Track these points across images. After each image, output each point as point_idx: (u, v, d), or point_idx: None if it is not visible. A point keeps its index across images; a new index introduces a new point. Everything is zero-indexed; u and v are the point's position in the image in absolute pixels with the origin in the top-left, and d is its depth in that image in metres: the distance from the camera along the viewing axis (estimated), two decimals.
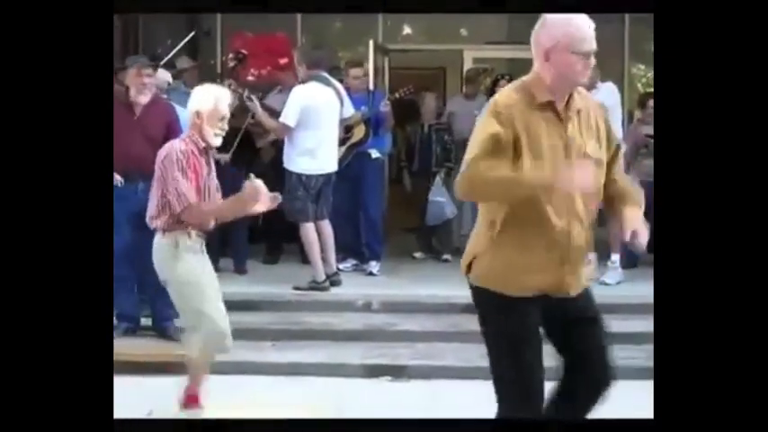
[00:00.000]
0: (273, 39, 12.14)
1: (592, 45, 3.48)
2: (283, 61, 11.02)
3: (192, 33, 9.85)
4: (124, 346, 6.75)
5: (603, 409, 3.70)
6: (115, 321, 6.88)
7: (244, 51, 10.42)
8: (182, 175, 5.10)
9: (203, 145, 5.23)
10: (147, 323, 7.32)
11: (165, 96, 7.79)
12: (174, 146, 5.25)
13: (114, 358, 6.33)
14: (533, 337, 3.69)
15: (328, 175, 8.37)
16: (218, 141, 5.28)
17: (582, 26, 3.52)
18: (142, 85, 7.02)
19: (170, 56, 9.12)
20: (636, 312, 7.08)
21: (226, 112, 5.27)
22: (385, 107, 9.16)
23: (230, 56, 10.22)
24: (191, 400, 5.36)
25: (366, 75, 9.76)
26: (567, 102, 3.63)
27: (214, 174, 5.38)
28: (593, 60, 3.48)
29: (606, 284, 8.17)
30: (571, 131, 3.61)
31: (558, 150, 3.59)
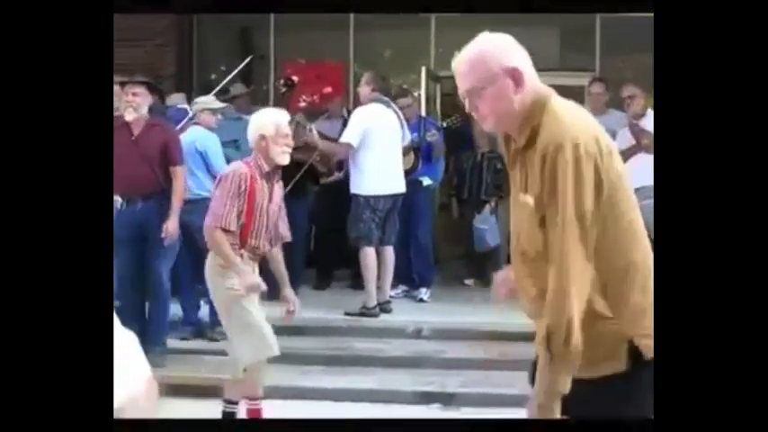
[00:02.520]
0: (324, 66, 12.23)
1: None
2: (326, 90, 11.10)
3: (249, 58, 9.94)
4: (168, 369, 6.82)
5: None
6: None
7: (294, 78, 10.50)
8: (226, 196, 5.18)
9: (267, 169, 5.30)
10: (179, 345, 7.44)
11: (218, 117, 7.89)
12: (235, 167, 5.37)
13: (160, 381, 6.43)
14: None
15: (396, 197, 8.37)
16: (285, 159, 5.35)
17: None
18: (127, 102, 7.05)
19: (225, 82, 9.20)
20: None
21: (287, 130, 5.38)
22: (432, 137, 9.17)
23: (280, 82, 10.31)
24: (254, 414, 5.43)
25: (414, 103, 9.77)
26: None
27: (277, 203, 5.43)
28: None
29: None
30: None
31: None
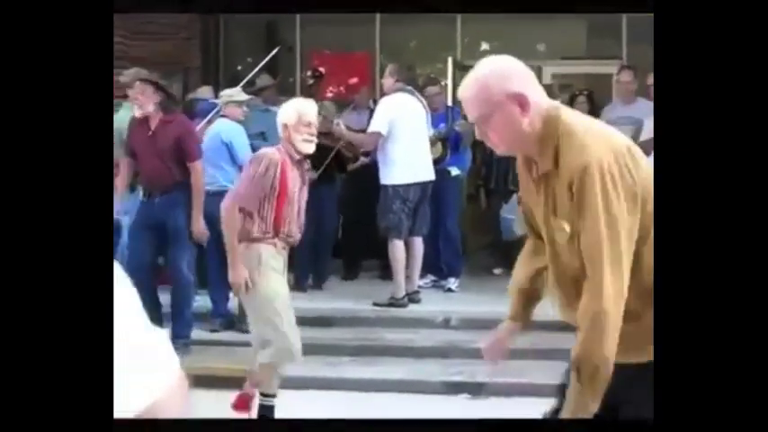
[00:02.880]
0: (351, 57, 12.23)
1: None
2: (353, 81, 11.10)
3: (276, 50, 9.95)
4: (198, 361, 6.86)
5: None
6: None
7: (321, 70, 10.51)
8: (252, 177, 5.20)
9: (297, 157, 5.33)
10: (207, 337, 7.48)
11: (245, 110, 7.91)
12: (267, 151, 5.40)
13: (191, 372, 6.46)
14: None
15: (425, 186, 8.35)
16: (309, 148, 5.36)
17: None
18: (134, 99, 7.18)
19: (252, 74, 9.22)
20: None
21: (311, 119, 5.37)
22: (458, 126, 9.15)
23: (308, 74, 10.33)
24: (241, 404, 5.44)
25: (442, 92, 9.77)
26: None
27: (305, 191, 5.46)
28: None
29: None
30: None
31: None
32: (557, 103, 2.99)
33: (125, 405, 1.18)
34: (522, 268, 3.43)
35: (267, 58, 9.43)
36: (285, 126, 5.34)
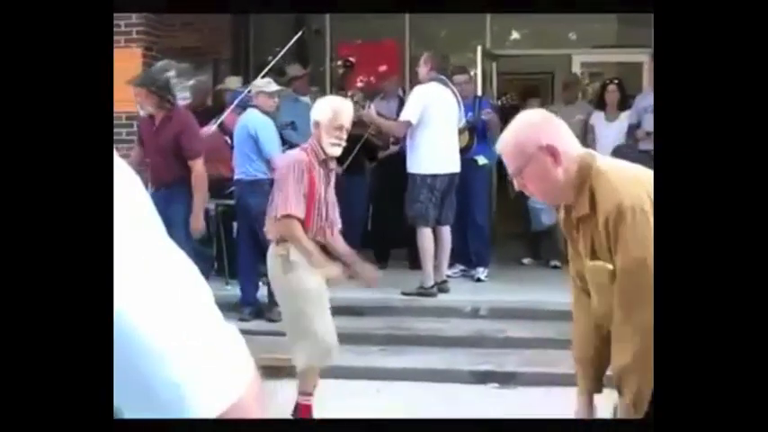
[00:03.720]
0: (380, 46, 12.23)
1: None
2: (382, 69, 11.10)
3: (301, 33, 9.95)
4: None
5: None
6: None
7: (351, 59, 10.53)
8: (292, 185, 5.09)
9: (323, 156, 5.21)
10: (238, 326, 7.49)
11: (275, 101, 7.94)
12: (293, 154, 5.30)
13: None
14: None
15: (452, 177, 8.35)
16: (336, 151, 5.26)
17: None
18: (136, 100, 7.47)
19: (276, 59, 9.20)
20: None
21: (344, 122, 5.26)
22: (486, 115, 9.13)
23: (338, 63, 10.36)
24: (304, 412, 5.39)
25: (471, 80, 9.75)
26: None
27: (333, 189, 5.36)
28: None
29: None
30: None
31: None
32: (593, 153, 3.19)
33: (206, 408, 1.16)
34: (579, 326, 3.41)
35: (292, 41, 9.40)
36: (317, 124, 5.22)
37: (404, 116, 8.30)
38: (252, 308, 7.87)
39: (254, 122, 7.77)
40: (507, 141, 3.16)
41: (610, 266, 2.97)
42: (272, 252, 5.24)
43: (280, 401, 5.44)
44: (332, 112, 5.22)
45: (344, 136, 5.30)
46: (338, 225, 5.44)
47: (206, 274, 8.77)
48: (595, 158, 3.10)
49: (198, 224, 7.31)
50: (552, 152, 3.03)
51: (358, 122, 8.48)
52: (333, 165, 5.37)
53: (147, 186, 7.44)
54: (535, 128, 3.14)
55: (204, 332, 1.20)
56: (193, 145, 7.34)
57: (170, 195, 7.21)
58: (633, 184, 2.94)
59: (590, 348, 3.33)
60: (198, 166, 7.29)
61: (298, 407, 5.37)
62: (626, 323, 2.92)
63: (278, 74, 9.17)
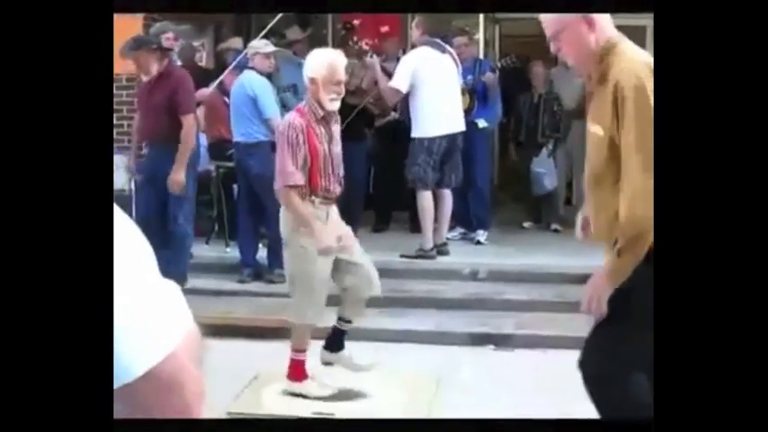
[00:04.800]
0: None
1: None
2: (384, 29, 11.03)
3: None
4: (227, 311, 6.96)
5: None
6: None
7: (353, 21, 10.47)
8: (287, 152, 5.06)
9: (322, 113, 5.15)
10: (238, 287, 7.53)
11: (272, 61, 7.90)
12: (288, 119, 5.22)
13: (220, 322, 6.39)
14: None
15: (453, 137, 8.30)
16: (335, 106, 5.20)
17: None
18: (138, 68, 7.49)
19: (275, 21, 9.10)
20: None
21: (341, 76, 5.19)
22: (487, 78, 9.10)
23: (339, 26, 10.31)
24: (296, 374, 5.43)
25: (471, 43, 9.70)
26: None
27: (338, 143, 5.30)
28: None
29: None
30: None
31: None
32: (622, 35, 3.50)
33: (141, 359, 1.20)
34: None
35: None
36: (313, 80, 5.13)
37: (392, 84, 8.23)
38: (251, 269, 7.88)
39: (252, 83, 7.72)
40: None
41: (600, 131, 3.34)
42: (284, 215, 5.23)
43: (279, 363, 5.48)
44: (328, 67, 5.14)
45: (342, 90, 5.25)
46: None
47: (206, 235, 8.81)
48: (622, 40, 3.46)
49: (177, 176, 7.19)
50: (589, 20, 3.40)
51: (355, 91, 8.47)
52: (336, 119, 5.31)
53: (143, 146, 7.52)
54: None
55: (136, 290, 1.22)
56: (187, 100, 7.35)
57: (161, 154, 7.28)
58: (644, 60, 3.29)
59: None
60: (190, 121, 7.29)
61: (291, 363, 5.40)
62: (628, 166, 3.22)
63: (279, 36, 9.12)
